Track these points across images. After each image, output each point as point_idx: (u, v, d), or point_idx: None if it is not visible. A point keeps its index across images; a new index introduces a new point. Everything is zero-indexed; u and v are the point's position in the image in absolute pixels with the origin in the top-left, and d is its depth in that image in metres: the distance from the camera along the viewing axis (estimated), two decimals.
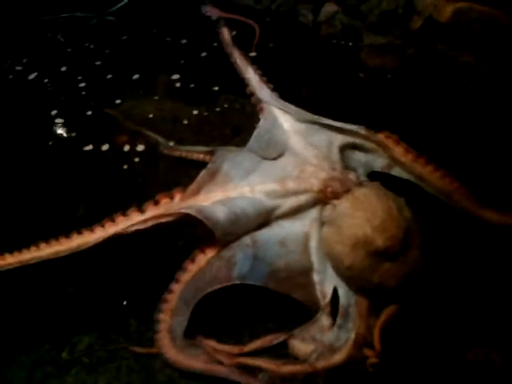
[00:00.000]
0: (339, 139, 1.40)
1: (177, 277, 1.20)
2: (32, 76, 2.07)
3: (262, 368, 1.14)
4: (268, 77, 1.63)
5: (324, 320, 1.20)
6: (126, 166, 1.63)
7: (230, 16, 2.10)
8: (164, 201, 1.26)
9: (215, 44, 2.04)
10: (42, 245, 1.25)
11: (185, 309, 1.19)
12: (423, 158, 1.38)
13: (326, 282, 1.23)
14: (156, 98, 1.88)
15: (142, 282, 1.33)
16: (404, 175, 1.39)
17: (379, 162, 1.41)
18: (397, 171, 1.40)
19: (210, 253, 1.22)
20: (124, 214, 1.24)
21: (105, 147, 1.70)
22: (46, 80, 2.04)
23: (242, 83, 1.65)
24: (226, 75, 1.91)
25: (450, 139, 1.60)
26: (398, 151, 1.39)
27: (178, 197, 1.27)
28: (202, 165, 1.38)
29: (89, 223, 1.25)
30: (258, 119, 1.51)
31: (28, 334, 1.27)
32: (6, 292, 1.32)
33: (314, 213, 1.27)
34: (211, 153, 1.41)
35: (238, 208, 1.22)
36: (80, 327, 1.27)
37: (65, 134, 1.79)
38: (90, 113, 1.84)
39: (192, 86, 1.92)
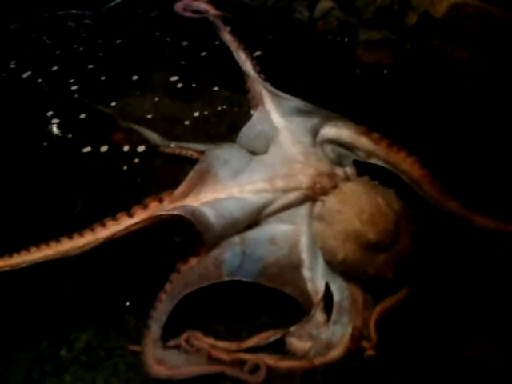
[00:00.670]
0: (324, 133, 1.41)
1: (170, 278, 1.22)
2: (26, 75, 2.07)
3: (259, 363, 1.14)
4: (265, 73, 1.63)
5: (319, 316, 1.20)
6: (121, 164, 1.63)
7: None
8: (153, 204, 1.26)
9: (213, 41, 2.03)
10: (33, 249, 1.24)
11: (168, 305, 1.20)
12: (396, 145, 1.37)
13: (318, 279, 1.24)
14: (152, 95, 1.87)
15: (140, 279, 1.33)
16: (381, 164, 1.38)
17: (358, 153, 1.41)
18: (374, 160, 1.39)
19: (200, 253, 1.23)
20: (114, 219, 1.24)
21: (100, 145, 1.69)
22: (39, 80, 2.03)
23: (239, 80, 1.64)
24: (222, 72, 1.91)
25: (447, 135, 1.60)
26: (372, 141, 1.38)
27: (166, 200, 1.26)
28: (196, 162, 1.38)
29: (85, 221, 1.25)
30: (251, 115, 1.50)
31: (25, 333, 1.27)
32: (3, 290, 1.32)
33: (303, 210, 1.28)
34: (202, 152, 1.41)
35: (227, 210, 1.23)
36: (78, 325, 1.27)
37: (60, 133, 1.79)
38: (85, 110, 1.83)
39: (188, 83, 1.91)
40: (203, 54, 2.06)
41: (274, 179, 1.28)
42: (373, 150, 1.37)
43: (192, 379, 1.13)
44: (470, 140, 1.58)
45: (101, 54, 2.13)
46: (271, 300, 1.22)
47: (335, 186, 1.24)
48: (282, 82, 1.59)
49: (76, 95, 1.92)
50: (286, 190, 1.27)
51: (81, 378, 1.18)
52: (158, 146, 1.63)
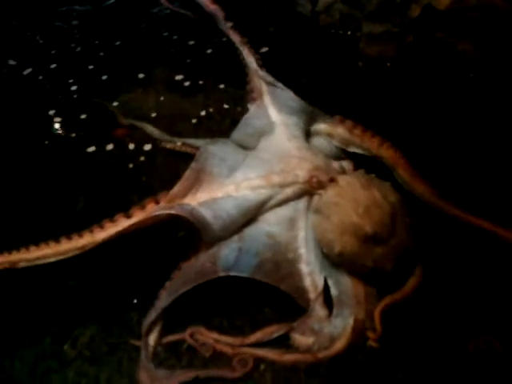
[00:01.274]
0: (318, 127, 1.43)
1: (172, 275, 1.23)
2: (27, 71, 2.07)
3: (264, 358, 1.15)
4: (267, 67, 1.62)
5: (320, 311, 1.20)
6: (124, 160, 1.64)
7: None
8: (150, 205, 1.26)
9: (217, 39, 2.03)
10: (32, 248, 1.25)
11: (165, 301, 1.20)
12: (369, 131, 1.39)
13: (316, 273, 1.24)
14: (154, 91, 1.88)
15: (143, 275, 1.33)
16: (360, 151, 1.40)
17: (336, 143, 1.44)
18: (353, 148, 1.41)
19: (199, 249, 1.24)
20: (112, 220, 1.25)
21: (102, 141, 1.70)
22: (40, 77, 2.04)
23: (243, 78, 1.63)
24: (224, 68, 1.91)
25: (451, 127, 1.60)
26: (347, 129, 1.41)
27: (163, 200, 1.27)
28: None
29: (88, 216, 1.26)
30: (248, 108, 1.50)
31: (30, 328, 1.27)
32: (8, 287, 1.33)
33: (301, 204, 1.28)
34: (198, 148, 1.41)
35: (224, 210, 1.24)
36: (81, 321, 1.27)
37: (63, 131, 1.79)
38: (87, 108, 1.84)
39: (190, 78, 1.91)
40: (208, 51, 2.06)
41: (271, 175, 1.28)
42: (348, 137, 1.39)
43: None
44: (474, 132, 1.57)
45: (101, 54, 2.13)
46: (273, 294, 1.22)
47: (332, 180, 1.24)
48: (285, 76, 1.59)
49: (76, 94, 1.93)
50: (282, 186, 1.27)
51: (84, 373, 1.18)
52: (160, 142, 1.63)
